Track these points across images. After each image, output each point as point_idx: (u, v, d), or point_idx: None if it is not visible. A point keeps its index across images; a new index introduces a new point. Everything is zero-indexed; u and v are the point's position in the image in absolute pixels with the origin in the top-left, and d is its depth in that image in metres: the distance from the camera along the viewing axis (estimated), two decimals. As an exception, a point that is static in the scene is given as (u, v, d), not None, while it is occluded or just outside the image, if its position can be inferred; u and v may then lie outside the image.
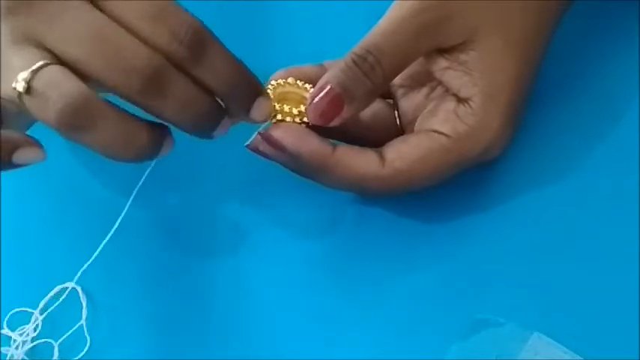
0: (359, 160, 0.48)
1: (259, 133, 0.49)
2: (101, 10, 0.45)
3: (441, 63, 0.49)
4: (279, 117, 0.49)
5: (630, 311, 0.47)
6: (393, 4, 0.49)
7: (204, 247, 0.53)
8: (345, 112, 0.48)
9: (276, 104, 0.49)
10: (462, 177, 0.50)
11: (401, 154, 0.49)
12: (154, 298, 0.51)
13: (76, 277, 0.50)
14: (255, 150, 0.49)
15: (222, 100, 0.47)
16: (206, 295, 0.51)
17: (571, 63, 0.54)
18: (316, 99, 0.48)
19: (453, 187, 0.50)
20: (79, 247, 0.50)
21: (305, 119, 0.49)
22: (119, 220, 0.49)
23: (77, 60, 0.45)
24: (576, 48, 0.55)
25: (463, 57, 0.49)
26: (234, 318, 0.50)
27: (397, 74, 0.49)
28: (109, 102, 0.45)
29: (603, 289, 0.48)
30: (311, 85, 0.50)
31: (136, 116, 0.46)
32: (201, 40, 0.46)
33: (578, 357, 0.45)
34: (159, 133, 0.47)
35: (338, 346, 0.49)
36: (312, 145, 0.48)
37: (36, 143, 0.44)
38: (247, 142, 0.49)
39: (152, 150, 0.46)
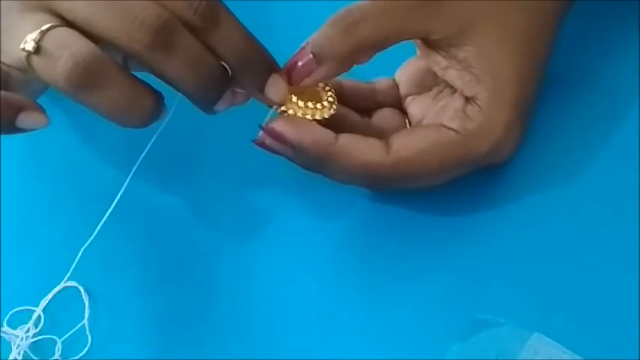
0: (363, 148, 0.48)
1: (260, 125, 0.49)
2: None
3: (441, 62, 0.49)
4: (282, 108, 0.49)
5: (630, 311, 0.47)
6: None
7: (206, 246, 0.53)
8: (317, 74, 0.48)
9: None
10: (462, 177, 0.50)
11: (407, 143, 0.48)
12: (155, 297, 0.51)
13: (72, 267, 0.50)
14: (262, 145, 0.49)
15: (234, 73, 0.47)
16: (207, 293, 0.51)
17: (572, 64, 0.54)
18: (290, 58, 0.48)
19: (453, 188, 0.50)
20: (79, 243, 0.50)
21: (308, 115, 0.49)
22: (115, 201, 0.49)
23: (85, 18, 0.45)
24: (577, 49, 0.55)
25: (462, 54, 0.48)
26: (235, 317, 0.50)
27: (381, 44, 0.48)
28: (119, 64, 0.45)
29: (603, 289, 0.48)
30: (329, 87, 0.50)
31: (143, 80, 0.46)
32: (215, 10, 0.46)
33: (578, 357, 0.45)
34: (160, 100, 0.47)
35: (338, 345, 0.49)
36: (314, 135, 0.48)
37: (40, 108, 0.44)
38: (254, 138, 0.49)
39: (154, 117, 0.46)
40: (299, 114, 0.49)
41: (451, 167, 0.49)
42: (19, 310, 0.51)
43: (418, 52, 0.52)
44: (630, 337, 0.47)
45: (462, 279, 0.50)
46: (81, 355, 0.50)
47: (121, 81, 0.45)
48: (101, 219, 0.49)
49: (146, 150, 0.49)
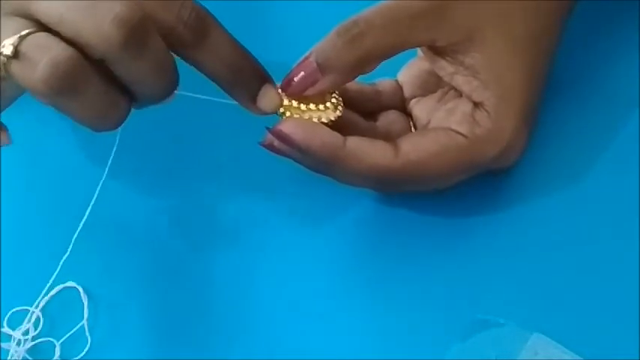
0: (371, 151, 0.48)
1: (267, 128, 0.49)
2: None
3: (447, 68, 0.49)
4: (287, 114, 0.48)
5: (630, 311, 0.48)
6: None
7: (205, 246, 0.53)
8: (321, 84, 0.48)
9: (284, 100, 0.48)
10: (463, 180, 0.50)
11: (416, 146, 0.48)
12: (155, 297, 0.51)
13: (57, 270, 0.50)
14: (270, 147, 0.49)
15: (225, 87, 0.47)
16: (207, 293, 0.51)
17: (571, 66, 0.54)
18: (293, 67, 0.48)
19: (454, 189, 0.50)
20: (80, 243, 0.50)
21: (314, 118, 0.48)
22: (96, 195, 0.49)
23: (59, 17, 0.43)
24: (577, 51, 0.55)
25: (468, 61, 0.48)
26: (235, 317, 0.50)
27: (386, 54, 0.48)
28: (97, 67, 0.44)
29: (603, 289, 0.48)
30: (334, 93, 0.50)
31: (117, 83, 0.45)
32: (204, 24, 0.46)
33: (578, 357, 0.45)
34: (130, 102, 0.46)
35: (338, 345, 0.49)
36: (322, 138, 0.48)
37: (3, 127, 0.44)
38: (261, 140, 0.49)
39: (124, 120, 0.46)
40: (304, 117, 0.48)
41: (458, 171, 0.49)
42: (19, 310, 0.51)
43: (421, 54, 0.52)
44: (630, 337, 0.47)
45: (462, 279, 0.50)
46: (81, 355, 0.50)
47: (99, 86, 0.44)
48: (102, 218, 0.49)
49: (114, 148, 0.49)
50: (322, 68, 0.47)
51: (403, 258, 0.51)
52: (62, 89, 0.43)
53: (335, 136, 0.48)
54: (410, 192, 0.51)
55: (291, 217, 0.53)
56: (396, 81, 0.54)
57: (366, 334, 0.49)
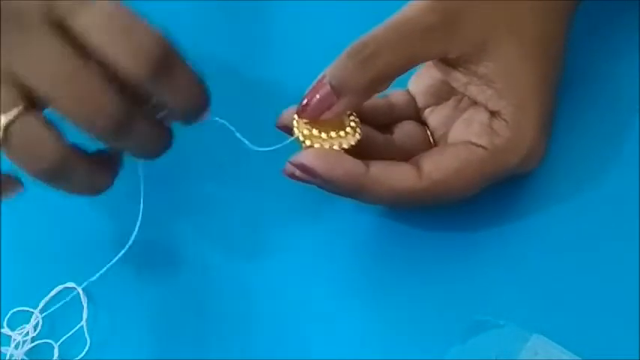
0: (395, 176, 0.48)
1: (289, 162, 0.48)
2: (67, 30, 0.42)
3: (460, 78, 0.49)
4: (307, 142, 0.48)
5: (630, 311, 0.47)
6: (405, 4, 0.48)
7: (205, 247, 0.53)
8: (337, 107, 0.47)
9: (304, 130, 0.48)
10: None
11: (438, 164, 0.48)
12: (155, 298, 0.51)
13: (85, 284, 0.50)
14: (292, 176, 0.48)
15: (177, 113, 0.46)
16: (207, 294, 0.51)
17: (572, 67, 0.54)
18: (307, 91, 0.47)
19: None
20: (80, 243, 0.50)
21: (335, 145, 0.48)
22: (129, 243, 0.49)
23: (49, 98, 0.43)
24: (578, 51, 0.55)
25: (481, 70, 0.48)
26: (235, 318, 0.50)
27: (399, 71, 0.48)
28: (81, 151, 0.45)
29: (603, 289, 0.48)
30: (351, 115, 0.49)
31: (101, 155, 0.46)
32: (166, 58, 0.43)
33: (578, 358, 0.45)
34: (115, 164, 0.47)
35: (337, 346, 0.49)
36: (345, 168, 0.47)
37: (16, 180, 0.45)
38: (282, 169, 0.48)
39: (113, 183, 0.47)
40: (325, 146, 0.48)
41: (481, 183, 0.49)
42: (19, 311, 0.51)
43: (433, 65, 0.51)
44: (630, 338, 0.47)
45: (461, 280, 0.50)
46: (80, 356, 0.50)
47: (84, 171, 0.45)
48: (102, 218, 0.49)
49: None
50: (337, 91, 0.47)
51: (403, 259, 0.51)
52: (47, 179, 0.44)
53: (357, 164, 0.47)
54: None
55: (291, 219, 0.53)
56: (408, 92, 0.53)
57: (366, 334, 0.49)
